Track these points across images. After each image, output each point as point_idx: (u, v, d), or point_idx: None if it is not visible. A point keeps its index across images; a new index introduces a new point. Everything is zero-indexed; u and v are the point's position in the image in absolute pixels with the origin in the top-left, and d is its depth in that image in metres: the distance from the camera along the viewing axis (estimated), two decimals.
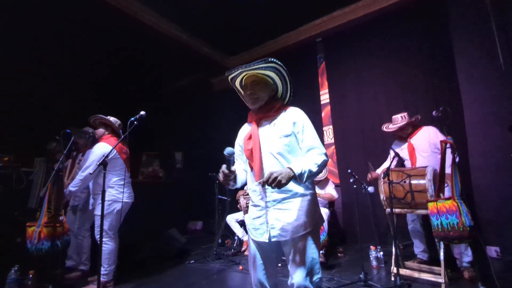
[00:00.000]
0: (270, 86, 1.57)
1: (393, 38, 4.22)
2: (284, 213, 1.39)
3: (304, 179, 1.30)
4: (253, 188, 1.51)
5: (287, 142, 1.45)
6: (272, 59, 1.47)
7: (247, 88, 1.55)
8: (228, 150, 1.35)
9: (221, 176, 1.38)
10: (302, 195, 1.42)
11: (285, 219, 1.38)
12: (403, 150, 3.04)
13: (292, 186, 1.40)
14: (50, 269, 2.75)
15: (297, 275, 1.35)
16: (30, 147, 3.68)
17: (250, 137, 1.53)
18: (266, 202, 1.43)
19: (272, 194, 1.42)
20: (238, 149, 1.66)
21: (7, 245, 2.99)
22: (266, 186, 1.30)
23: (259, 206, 1.47)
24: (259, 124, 1.56)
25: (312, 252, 1.36)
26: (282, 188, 1.30)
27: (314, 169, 1.33)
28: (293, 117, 1.50)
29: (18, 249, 2.84)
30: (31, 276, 2.69)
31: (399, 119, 3.05)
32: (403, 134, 3.05)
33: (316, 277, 1.36)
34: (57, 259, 2.59)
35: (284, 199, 1.41)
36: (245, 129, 1.66)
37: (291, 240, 1.37)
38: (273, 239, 1.39)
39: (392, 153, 2.91)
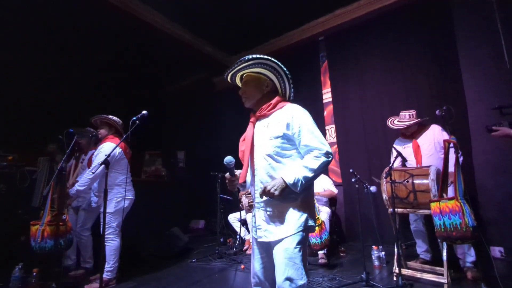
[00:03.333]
0: (263, 83, 1.52)
1: (396, 37, 4.18)
2: (268, 215, 1.39)
3: (299, 188, 1.27)
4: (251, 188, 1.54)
5: (278, 144, 1.40)
6: (254, 56, 1.42)
7: (241, 88, 1.58)
8: (227, 159, 1.39)
9: (227, 182, 1.46)
10: (289, 197, 1.34)
11: (268, 221, 1.39)
12: (406, 148, 3.01)
13: None
14: (53, 268, 2.78)
15: (278, 278, 1.32)
16: (33, 146, 3.72)
17: (244, 139, 1.55)
18: (256, 202, 1.46)
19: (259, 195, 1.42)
20: None
21: (11, 243, 3.02)
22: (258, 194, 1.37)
23: (254, 205, 1.49)
24: (256, 124, 1.54)
25: (294, 257, 1.29)
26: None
27: (310, 174, 1.28)
28: (288, 116, 1.41)
29: (22, 247, 2.88)
30: (35, 274, 2.71)
31: (407, 117, 2.99)
32: (407, 132, 3.02)
33: (299, 283, 1.28)
34: (60, 257, 2.62)
35: (267, 200, 1.38)
36: None
37: (274, 242, 1.36)
38: (259, 239, 1.42)
39: (394, 153, 2.89)
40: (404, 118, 3.01)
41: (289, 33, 5.15)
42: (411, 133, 3.00)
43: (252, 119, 1.55)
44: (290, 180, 1.26)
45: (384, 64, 4.29)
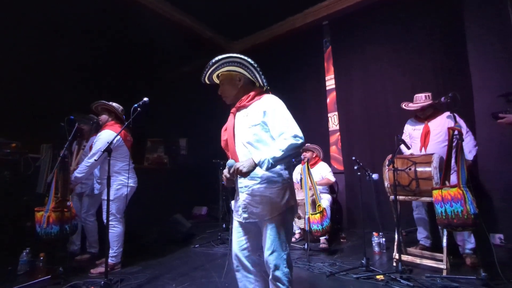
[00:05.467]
0: (235, 79, 1.63)
1: (402, 22, 4.06)
2: (251, 198, 1.51)
3: (265, 166, 1.34)
4: None
5: (255, 131, 1.51)
6: (218, 58, 1.55)
7: (219, 89, 1.71)
8: (229, 162, 1.46)
9: (224, 180, 1.55)
10: (272, 182, 1.48)
11: (252, 204, 1.50)
12: (416, 131, 3.00)
13: (261, 172, 1.46)
14: (59, 252, 2.84)
15: (266, 252, 1.48)
16: (36, 133, 3.72)
17: (226, 129, 1.66)
18: (239, 187, 1.56)
19: (244, 180, 1.52)
20: None
21: (18, 229, 3.08)
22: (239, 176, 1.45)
23: (238, 190, 1.59)
24: (236, 115, 1.65)
25: (278, 232, 1.46)
26: (252, 176, 1.43)
27: (278, 154, 1.34)
28: (264, 105, 1.52)
29: (29, 232, 2.93)
30: (41, 258, 2.79)
31: (423, 98, 2.94)
32: (422, 115, 2.98)
33: (282, 253, 1.46)
34: (66, 242, 2.67)
35: (253, 185, 1.50)
36: None
37: (259, 222, 1.52)
38: (245, 221, 1.53)
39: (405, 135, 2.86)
40: (420, 100, 2.95)
41: (292, 17, 5.02)
42: (426, 116, 2.96)
43: (232, 110, 1.67)
44: (256, 159, 1.35)
45: (389, 50, 4.19)
